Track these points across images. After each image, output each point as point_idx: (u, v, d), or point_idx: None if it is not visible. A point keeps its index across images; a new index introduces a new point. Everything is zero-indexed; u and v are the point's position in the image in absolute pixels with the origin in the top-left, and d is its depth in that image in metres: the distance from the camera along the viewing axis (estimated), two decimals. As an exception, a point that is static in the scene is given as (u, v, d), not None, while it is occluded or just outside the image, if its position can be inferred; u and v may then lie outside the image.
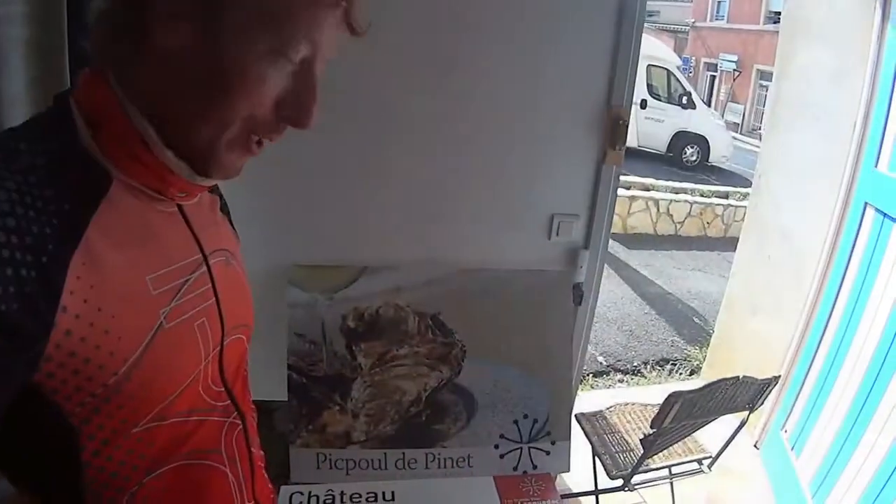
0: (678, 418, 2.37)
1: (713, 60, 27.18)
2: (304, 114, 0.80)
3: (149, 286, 0.77)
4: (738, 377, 2.42)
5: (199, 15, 0.72)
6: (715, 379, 2.42)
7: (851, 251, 3.17)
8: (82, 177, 0.73)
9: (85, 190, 0.72)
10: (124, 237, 0.76)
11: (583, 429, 2.95)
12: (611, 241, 8.36)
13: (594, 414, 3.12)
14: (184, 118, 0.77)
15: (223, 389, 0.94)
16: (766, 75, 22.46)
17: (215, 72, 0.74)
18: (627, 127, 2.35)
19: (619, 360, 5.49)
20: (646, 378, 5.23)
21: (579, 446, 2.73)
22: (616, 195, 2.45)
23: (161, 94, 0.76)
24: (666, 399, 2.31)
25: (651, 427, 2.41)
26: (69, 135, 0.75)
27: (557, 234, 2.41)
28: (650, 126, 14.97)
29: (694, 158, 15.44)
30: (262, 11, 0.74)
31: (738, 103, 25.32)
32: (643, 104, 14.58)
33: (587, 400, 4.06)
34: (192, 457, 0.88)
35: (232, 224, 1.09)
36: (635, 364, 5.46)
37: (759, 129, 21.11)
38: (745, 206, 4.76)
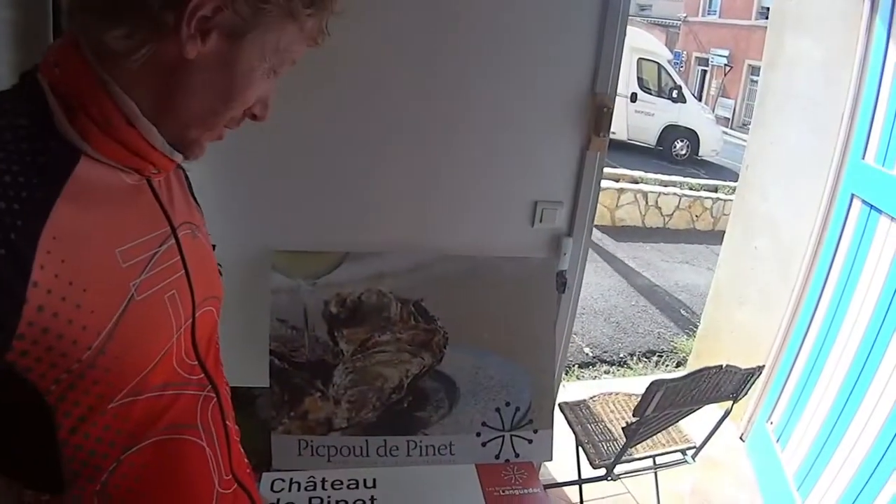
0: (661, 407, 2.37)
1: (704, 55, 27.25)
2: (268, 111, 0.90)
3: (118, 259, 0.78)
4: (721, 366, 2.42)
5: (228, 29, 0.77)
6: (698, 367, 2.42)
7: (838, 242, 3.18)
8: (50, 153, 0.73)
9: (53, 166, 0.72)
10: (92, 211, 0.76)
11: (566, 418, 2.95)
12: (599, 234, 8.45)
13: (577, 403, 3.12)
14: (181, 116, 0.81)
15: (196, 363, 0.94)
16: (757, 70, 22.36)
17: (226, 82, 0.80)
18: (612, 114, 2.34)
19: (605, 352, 5.51)
20: (632, 369, 5.25)
21: (563, 436, 2.73)
22: (600, 182, 2.44)
23: (162, 92, 0.78)
24: (648, 387, 2.31)
25: (634, 415, 2.41)
26: (37, 112, 0.74)
27: (541, 222, 2.40)
28: (640, 119, 15.04)
29: (684, 152, 15.51)
30: (278, 36, 0.81)
31: (728, 98, 25.43)
32: (633, 98, 14.65)
33: (573, 391, 4.07)
34: (168, 431, 0.88)
35: (195, 198, 1.09)
36: (622, 355, 5.48)
37: (750, 123, 21.19)
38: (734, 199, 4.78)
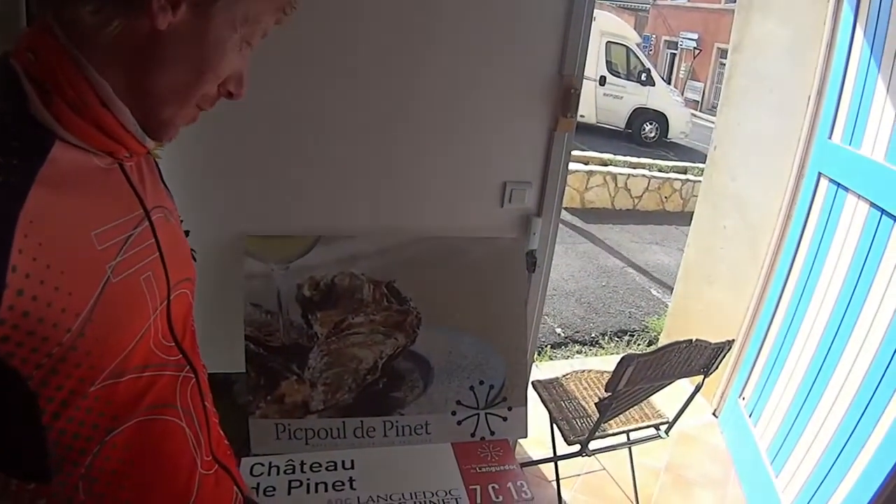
0: (633, 381, 2.40)
1: (674, 38, 27.37)
2: (243, 88, 0.89)
3: (94, 241, 0.78)
4: (691, 340, 2.45)
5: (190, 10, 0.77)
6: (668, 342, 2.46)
7: (805, 220, 3.22)
8: (25, 137, 0.73)
9: (27, 150, 0.72)
10: (67, 194, 0.76)
11: (539, 396, 2.97)
12: (569, 216, 8.49)
13: (550, 381, 3.14)
14: (155, 93, 0.80)
15: (173, 344, 0.95)
16: (726, 54, 22.45)
17: (198, 54, 0.80)
18: (579, 95, 2.36)
19: (577, 332, 5.55)
20: (604, 349, 5.29)
21: (537, 414, 2.76)
22: (568, 163, 2.47)
23: (135, 68, 0.78)
24: (619, 362, 2.34)
25: (606, 390, 2.44)
26: (11, 97, 0.74)
27: (510, 202, 2.42)
28: (609, 102, 15.10)
29: (653, 135, 15.60)
30: (247, 5, 0.81)
31: (698, 81, 25.60)
32: (602, 81, 14.70)
33: (546, 370, 4.11)
34: (149, 412, 0.89)
35: (165, 183, 1.09)
36: (593, 335, 5.53)
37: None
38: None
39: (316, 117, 2.18)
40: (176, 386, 0.95)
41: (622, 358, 2.33)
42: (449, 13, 2.18)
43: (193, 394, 0.99)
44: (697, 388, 2.77)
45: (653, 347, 4.92)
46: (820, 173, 3.14)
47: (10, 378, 0.71)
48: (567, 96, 2.33)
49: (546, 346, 5.15)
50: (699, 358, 2.56)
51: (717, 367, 2.67)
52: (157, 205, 0.94)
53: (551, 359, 4.94)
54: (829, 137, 3.09)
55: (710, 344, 2.52)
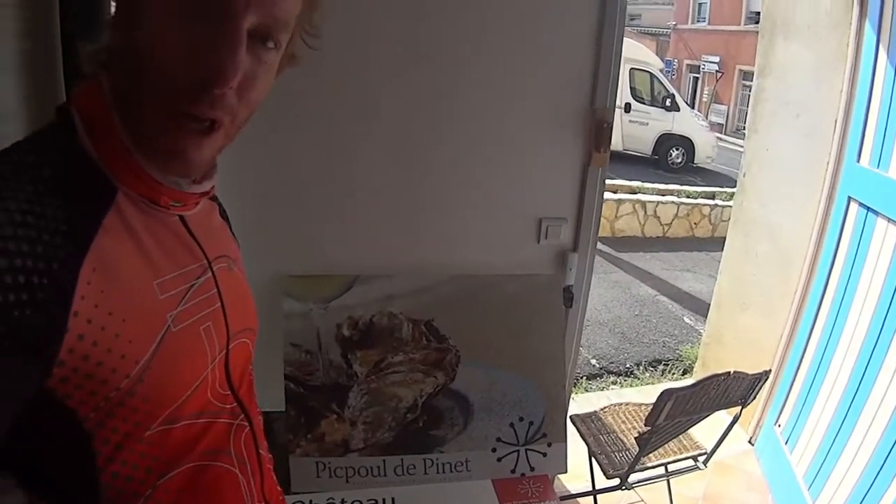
0: (672, 415, 2.39)
1: (696, 62, 27.30)
2: (215, 66, 0.73)
3: (156, 290, 0.79)
4: (729, 372, 2.44)
5: None
6: (706, 375, 2.45)
7: (837, 245, 3.20)
8: (89, 186, 0.75)
9: (92, 199, 0.74)
10: (131, 244, 0.78)
11: (578, 430, 2.97)
12: (599, 245, 8.42)
13: (589, 415, 3.13)
14: (133, 110, 0.76)
15: (230, 392, 0.96)
16: (748, 75, 22.55)
17: (137, 46, 0.74)
18: (611, 129, 2.38)
19: (611, 363, 5.51)
20: (639, 379, 5.24)
21: (575, 448, 2.75)
22: (603, 197, 2.48)
23: (121, 92, 0.77)
24: (659, 396, 2.33)
25: (645, 425, 2.43)
26: (73, 146, 0.76)
27: (546, 238, 2.44)
28: (635, 129, 15.05)
29: (679, 160, 15.52)
30: None
31: (721, 104, 25.45)
32: (627, 108, 14.68)
33: (582, 403, 4.09)
34: (203, 458, 0.89)
35: (231, 230, 1.11)
36: (628, 365, 5.48)
37: (743, 129, 21.19)
38: (732, 206, 4.79)
39: (352, 157, 2.22)
40: (230, 433, 0.96)
41: (661, 392, 2.33)
42: (481, 49, 2.22)
43: (248, 441, 1.00)
44: (735, 419, 2.74)
45: (689, 378, 4.90)
46: (850, 197, 3.13)
47: (67, 418, 0.71)
48: (600, 131, 2.35)
49: (581, 377, 5.11)
50: (737, 389, 2.54)
51: (754, 398, 2.65)
52: (220, 254, 0.96)
53: (587, 390, 4.91)
54: (858, 161, 3.08)
55: (748, 375, 2.50)
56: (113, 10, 0.79)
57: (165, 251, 0.83)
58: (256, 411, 1.08)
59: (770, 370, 2.70)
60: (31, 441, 0.73)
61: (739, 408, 2.68)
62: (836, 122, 3.27)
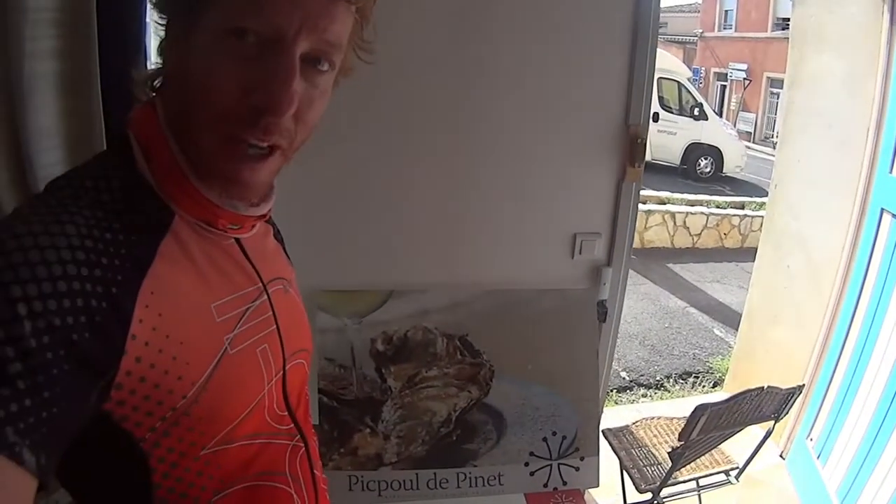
0: (705, 430, 2.39)
1: (723, 70, 27.11)
2: (269, 98, 0.74)
3: (213, 313, 0.80)
4: (762, 387, 2.44)
5: (182, 24, 0.76)
6: (740, 390, 2.44)
7: (870, 257, 3.18)
8: (147, 211, 0.77)
9: (150, 223, 0.76)
10: (189, 268, 0.79)
11: (610, 444, 2.97)
12: (629, 256, 8.39)
13: (621, 429, 3.13)
14: (191, 135, 0.77)
15: (287, 413, 0.96)
16: (776, 83, 22.38)
17: (190, 74, 0.75)
18: (645, 144, 2.38)
19: (641, 375, 5.50)
20: (669, 392, 5.23)
21: (607, 462, 2.75)
22: (637, 211, 2.47)
23: (176, 117, 0.79)
24: (693, 411, 2.33)
25: (678, 440, 2.43)
26: (131, 171, 0.78)
27: (580, 253, 2.44)
28: (663, 139, 14.93)
29: (708, 170, 15.41)
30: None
31: (749, 112, 25.25)
32: (655, 117, 14.56)
33: (612, 416, 4.08)
34: (258, 478, 0.90)
35: (286, 251, 1.12)
36: (658, 378, 5.47)
37: (772, 137, 21.02)
38: (761, 216, 4.75)
39: (386, 172, 2.23)
40: (286, 454, 0.96)
41: (695, 408, 2.33)
42: (518, 68, 2.23)
43: (303, 462, 1.00)
44: (768, 434, 2.73)
45: (720, 391, 4.87)
46: (882, 209, 3.10)
47: (123, 439, 0.72)
48: (634, 146, 2.35)
49: (611, 390, 5.09)
50: (770, 404, 2.53)
51: (787, 413, 2.64)
52: (276, 276, 0.97)
53: (617, 403, 4.90)
54: (890, 172, 3.06)
55: (781, 390, 2.50)
56: (163, 36, 0.81)
57: (222, 274, 0.85)
58: (312, 432, 1.08)
59: (803, 385, 2.69)
60: (87, 461, 0.74)
61: (772, 422, 2.67)
62: (867, 132, 3.25)
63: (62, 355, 0.62)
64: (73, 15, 1.52)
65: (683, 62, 19.56)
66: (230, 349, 0.81)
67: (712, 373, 5.54)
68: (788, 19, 5.13)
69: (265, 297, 0.92)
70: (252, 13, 0.72)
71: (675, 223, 9.40)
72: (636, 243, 8.57)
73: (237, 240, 0.90)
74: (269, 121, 0.75)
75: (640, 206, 8.93)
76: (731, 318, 6.62)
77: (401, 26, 2.03)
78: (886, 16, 3.13)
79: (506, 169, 2.32)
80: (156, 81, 0.84)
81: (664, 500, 2.76)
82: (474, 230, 2.36)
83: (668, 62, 15.18)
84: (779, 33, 21.54)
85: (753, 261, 4.58)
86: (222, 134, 0.76)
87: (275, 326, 0.92)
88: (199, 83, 0.75)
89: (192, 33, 0.75)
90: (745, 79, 25.40)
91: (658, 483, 2.67)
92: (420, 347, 2.28)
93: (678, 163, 15.45)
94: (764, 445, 2.79)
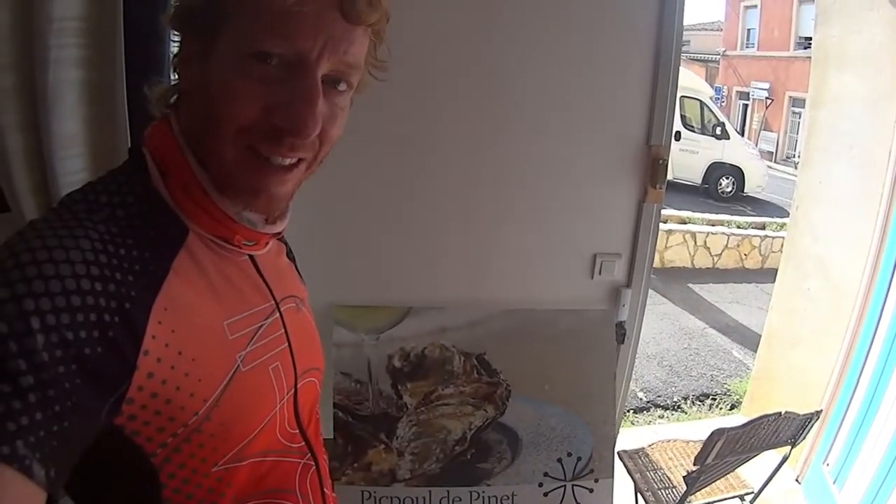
0: (721, 455, 2.38)
1: (745, 89, 26.98)
2: (293, 120, 0.75)
3: (226, 330, 0.81)
4: (780, 413, 2.42)
5: (201, 43, 0.77)
6: (757, 415, 2.43)
7: (890, 281, 3.15)
8: (161, 226, 0.77)
9: (165, 239, 0.77)
10: (202, 284, 0.80)
11: (625, 466, 2.95)
12: (648, 276, 8.36)
13: (636, 451, 3.12)
14: (212, 150, 0.78)
15: (298, 431, 0.97)
16: (798, 102, 22.24)
17: (211, 92, 0.76)
18: (667, 166, 2.37)
19: (659, 396, 5.47)
20: (686, 413, 5.20)
21: (622, 484, 2.73)
22: (658, 233, 2.46)
23: (194, 133, 0.80)
24: (709, 436, 2.32)
25: (694, 464, 2.42)
26: (146, 186, 0.79)
27: (600, 273, 2.42)
28: (685, 158, 14.82)
29: (729, 189, 15.30)
30: (241, 12, 0.74)
31: (771, 131, 25.09)
32: (677, 136, 14.50)
33: (628, 436, 4.05)
34: (269, 496, 0.90)
35: (298, 270, 1.13)
36: (675, 399, 5.44)
37: (793, 156, 20.91)
38: (782, 237, 4.72)
39: (405, 189, 2.24)
40: (296, 472, 0.96)
41: (712, 432, 2.32)
42: (539, 87, 2.22)
43: (313, 480, 1.00)
44: (784, 459, 2.71)
45: (737, 413, 4.83)
46: (904, 232, 3.08)
47: (134, 453, 0.73)
48: (655, 167, 2.34)
49: (628, 411, 5.06)
50: (787, 429, 2.52)
51: (804, 438, 2.62)
52: (288, 294, 0.97)
53: (633, 424, 4.87)
54: (913, 193, 3.04)
55: (799, 415, 2.48)
56: (179, 50, 0.82)
57: (235, 291, 0.85)
58: (323, 451, 1.08)
59: (821, 411, 2.67)
60: (98, 475, 0.75)
61: (789, 447, 2.65)
62: (889, 153, 3.23)
63: (74, 369, 0.63)
64: (99, 24, 1.52)
65: (706, 80, 19.49)
66: (243, 367, 0.82)
67: (730, 395, 5.51)
68: (811, 38, 5.11)
69: (278, 314, 0.92)
70: (275, 37, 0.73)
71: (695, 243, 9.35)
72: (656, 263, 8.53)
73: (251, 256, 0.91)
74: (293, 141, 0.77)
75: (661, 226, 8.91)
76: (750, 340, 6.57)
77: (426, 42, 2.04)
78: (908, 36, 3.12)
79: (527, 188, 2.31)
80: (171, 98, 0.85)
81: (678, 523, 2.74)
82: (494, 248, 2.35)
83: (690, 80, 15.10)
84: (801, 52, 21.42)
85: (773, 282, 4.55)
86: (245, 146, 0.77)
87: (287, 344, 0.93)
88: (220, 103, 0.76)
89: (213, 53, 0.76)
90: (767, 98, 25.27)
91: (673, 506, 2.66)
92: (437, 365, 2.28)
93: (699, 182, 15.35)
94: (780, 470, 2.76)
